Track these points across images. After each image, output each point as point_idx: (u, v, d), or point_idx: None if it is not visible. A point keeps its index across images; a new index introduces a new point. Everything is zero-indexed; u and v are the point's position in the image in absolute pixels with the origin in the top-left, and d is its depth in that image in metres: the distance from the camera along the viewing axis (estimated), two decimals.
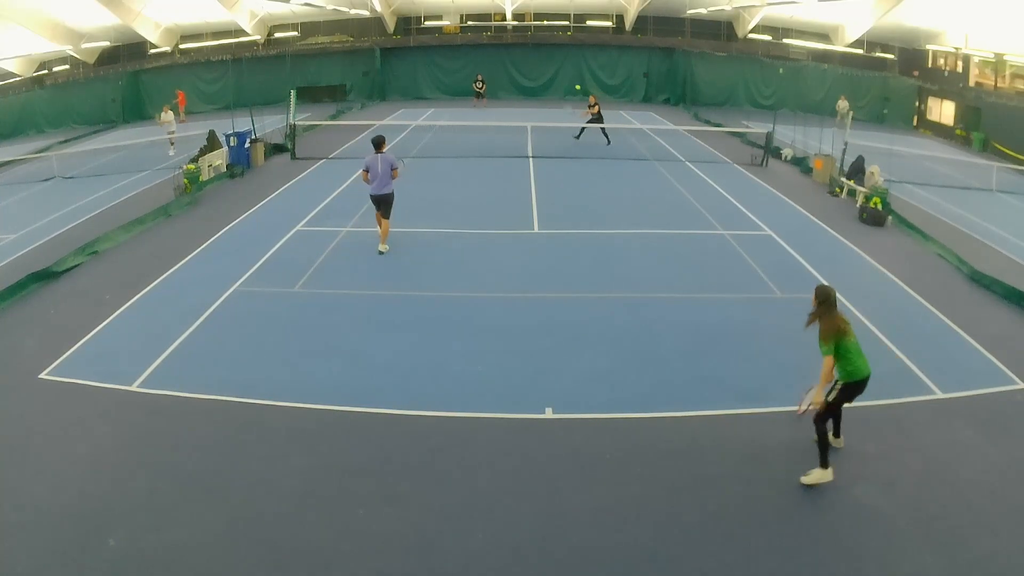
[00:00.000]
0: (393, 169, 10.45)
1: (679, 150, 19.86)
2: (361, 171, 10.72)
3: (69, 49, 29.93)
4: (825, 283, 5.51)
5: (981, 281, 9.89)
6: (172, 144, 20.31)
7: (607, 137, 20.00)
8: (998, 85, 25.55)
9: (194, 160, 15.57)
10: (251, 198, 14.16)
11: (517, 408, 6.46)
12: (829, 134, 17.39)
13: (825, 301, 5.46)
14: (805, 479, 5.42)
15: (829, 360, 5.32)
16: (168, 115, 20.80)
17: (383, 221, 10.65)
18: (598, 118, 19.85)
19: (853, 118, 17.11)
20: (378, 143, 10.59)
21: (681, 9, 30.67)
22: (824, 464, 5.44)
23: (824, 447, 5.44)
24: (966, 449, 5.94)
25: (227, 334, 8.04)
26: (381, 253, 10.56)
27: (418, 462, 5.71)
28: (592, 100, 20.34)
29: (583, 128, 20.13)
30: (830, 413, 5.54)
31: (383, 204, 10.58)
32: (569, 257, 10.74)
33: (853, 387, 5.44)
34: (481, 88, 29.49)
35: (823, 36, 31.41)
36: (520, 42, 33.03)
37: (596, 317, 8.51)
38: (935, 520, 5.05)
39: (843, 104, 26.24)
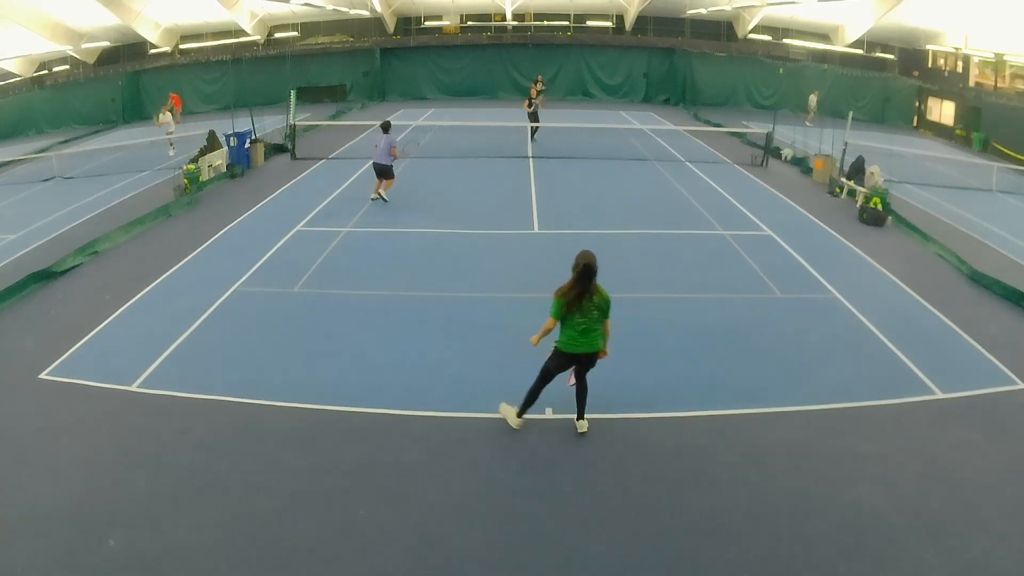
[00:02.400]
0: (392, 147, 13.15)
1: (679, 150, 19.87)
2: (373, 146, 13.62)
3: (69, 49, 29.92)
4: (584, 249, 5.79)
5: (981, 281, 9.89)
6: (171, 144, 20.30)
7: (533, 135, 20.09)
8: (998, 85, 25.55)
9: (194, 160, 15.57)
10: (251, 198, 14.16)
11: None
12: (829, 134, 17.39)
13: (575, 267, 5.62)
14: (501, 409, 6.13)
15: (550, 321, 5.70)
16: (166, 116, 20.78)
17: (386, 181, 13.36)
18: (534, 115, 19.99)
19: (853, 118, 17.10)
20: (385, 127, 13.58)
21: (681, 9, 30.68)
22: (519, 413, 6.01)
23: (528, 399, 5.91)
24: (966, 449, 5.94)
25: (227, 334, 8.03)
26: (374, 200, 13.32)
27: (418, 462, 5.71)
28: (534, 92, 20.39)
29: (534, 128, 20.11)
30: (545, 372, 5.86)
31: (381, 172, 13.26)
32: (569, 257, 10.63)
33: (560, 355, 5.78)
34: (540, 88, 28.97)
35: (823, 36, 31.42)
36: (520, 42, 33.01)
37: None
38: (935, 520, 5.05)
39: (814, 99, 26.26)
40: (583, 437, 6.05)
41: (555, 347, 5.79)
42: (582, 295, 5.54)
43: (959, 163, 20.67)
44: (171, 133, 20.53)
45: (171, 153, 19.79)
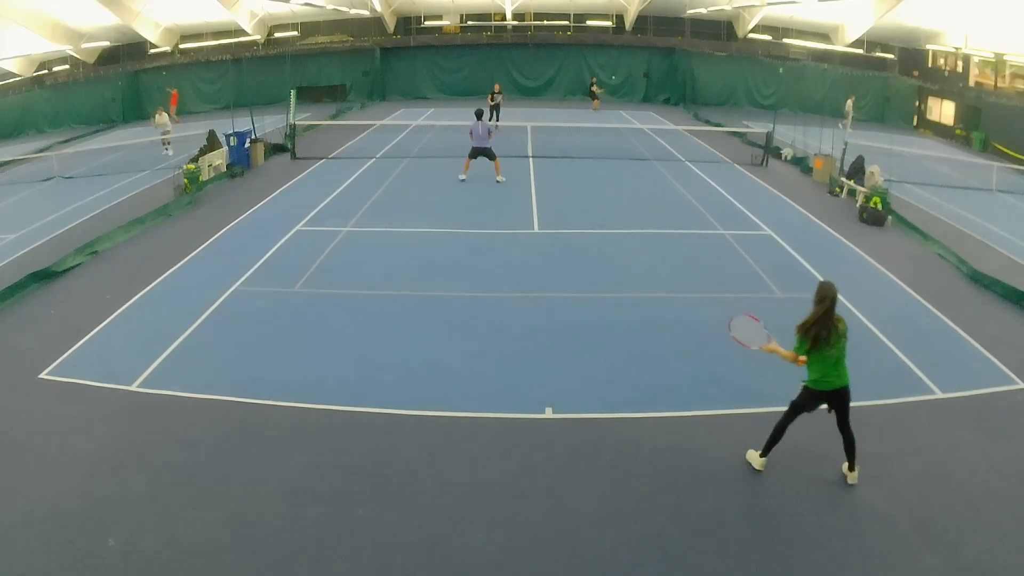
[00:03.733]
0: (489, 132, 15.25)
1: (679, 150, 19.87)
2: (468, 132, 15.39)
3: (69, 49, 29.91)
4: (826, 280, 5.44)
5: (981, 281, 9.89)
6: (167, 144, 20.17)
7: (496, 121, 22.41)
8: (998, 85, 25.54)
9: (194, 160, 15.57)
10: (251, 198, 14.16)
11: (517, 408, 6.46)
12: (829, 134, 17.39)
13: (820, 300, 5.29)
14: (747, 455, 5.68)
15: (791, 354, 5.35)
16: (163, 117, 20.66)
17: (494, 163, 15.36)
18: (496, 107, 22.77)
19: (853, 118, 17.10)
20: (479, 115, 15.38)
21: (681, 9, 30.67)
22: (762, 452, 5.58)
23: (773, 437, 5.50)
24: (966, 449, 5.94)
25: (227, 334, 8.04)
26: (500, 182, 15.28)
27: (418, 462, 5.71)
28: (497, 88, 23.33)
29: (495, 117, 22.60)
30: (793, 409, 5.46)
31: (484, 154, 15.25)
32: (569, 257, 10.74)
33: (808, 393, 5.36)
34: (597, 91, 29.30)
35: (823, 36, 31.41)
36: (520, 42, 33.02)
37: (596, 317, 8.51)
38: (935, 520, 5.05)
39: (851, 104, 26.24)
40: (586, 437, 6.05)
41: (804, 386, 5.38)
42: (826, 328, 5.20)
43: (959, 163, 20.65)
44: (167, 134, 20.41)
45: (169, 153, 19.73)
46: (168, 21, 31.03)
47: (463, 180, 15.24)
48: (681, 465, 5.71)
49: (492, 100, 22.90)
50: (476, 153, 15.25)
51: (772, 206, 14.02)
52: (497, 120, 22.65)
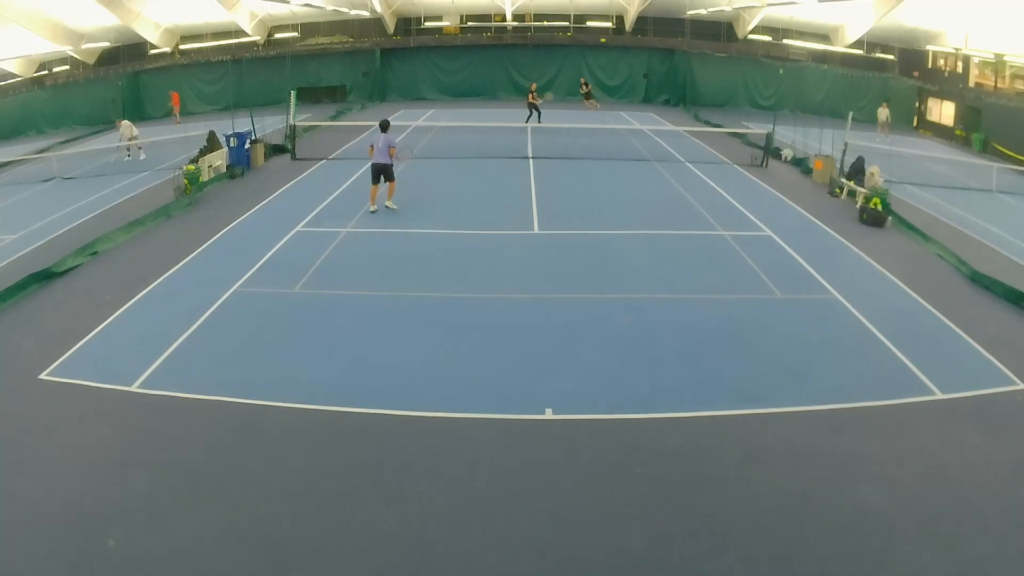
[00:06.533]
0: (391, 147, 12.66)
1: (679, 151, 19.87)
2: (368, 146, 13.24)
3: (69, 49, 29.93)
4: None
5: (981, 281, 9.89)
6: (128, 151, 19.77)
7: (539, 118, 23.10)
8: (998, 86, 25.54)
9: (194, 161, 15.57)
10: (251, 199, 14.16)
11: (517, 408, 6.45)
12: (829, 135, 17.39)
13: None
14: None
15: None
16: (123, 125, 20.10)
17: (389, 184, 12.89)
18: (534, 106, 23.21)
19: (853, 119, 17.11)
20: (383, 126, 13.11)
21: (681, 10, 30.69)
22: None
23: None
24: (966, 449, 5.94)
25: (227, 334, 8.03)
26: (373, 212, 12.83)
27: (418, 462, 5.71)
28: (533, 87, 24.20)
29: (531, 113, 23.17)
30: None
31: (382, 172, 12.72)
32: (569, 257, 10.75)
33: None
34: (586, 90, 28.53)
35: (823, 37, 31.42)
36: (520, 43, 33.03)
37: (596, 317, 8.51)
38: (935, 520, 5.05)
39: (884, 111, 26.21)
40: (586, 438, 6.05)
41: None
42: None
43: (959, 163, 20.65)
44: (132, 140, 19.76)
45: (125, 159, 19.48)
46: (168, 22, 31.04)
47: (374, 212, 12.81)
48: (681, 465, 5.70)
49: (533, 98, 23.12)
50: (376, 173, 12.67)
51: (772, 207, 14.02)
52: (539, 121, 22.86)
